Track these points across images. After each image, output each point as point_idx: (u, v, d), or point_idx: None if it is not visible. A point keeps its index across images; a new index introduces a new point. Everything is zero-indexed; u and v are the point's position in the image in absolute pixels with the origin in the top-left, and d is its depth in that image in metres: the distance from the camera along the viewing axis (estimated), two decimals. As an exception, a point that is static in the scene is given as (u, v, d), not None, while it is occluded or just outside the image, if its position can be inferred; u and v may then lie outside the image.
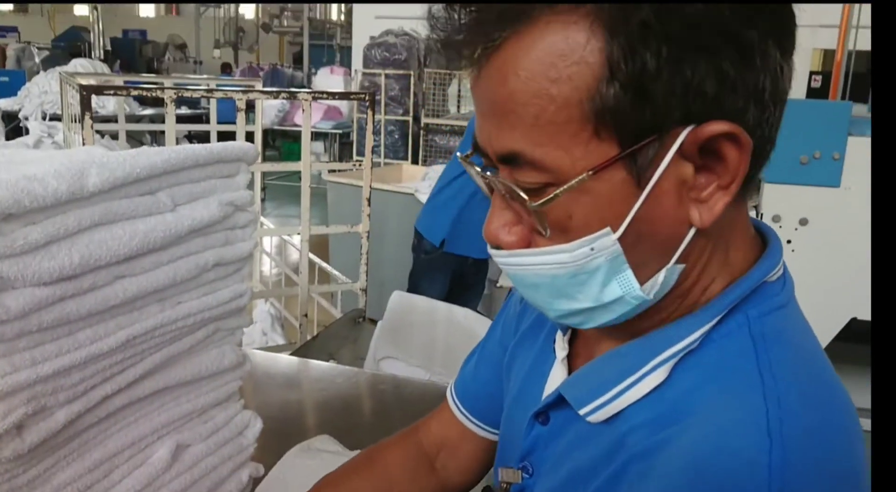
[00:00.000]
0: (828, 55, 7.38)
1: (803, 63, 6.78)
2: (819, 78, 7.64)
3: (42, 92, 7.30)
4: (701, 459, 0.50)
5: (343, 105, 8.54)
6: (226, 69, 14.55)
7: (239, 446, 1.14)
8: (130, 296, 0.87)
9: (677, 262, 0.55)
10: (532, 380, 0.74)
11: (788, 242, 2.36)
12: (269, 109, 7.08)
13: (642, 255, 0.54)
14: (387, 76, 6.58)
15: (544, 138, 0.50)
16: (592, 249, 0.53)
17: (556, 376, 0.69)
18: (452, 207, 2.87)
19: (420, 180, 4.52)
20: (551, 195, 0.52)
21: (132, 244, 0.85)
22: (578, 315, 0.57)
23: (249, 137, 3.25)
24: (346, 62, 10.42)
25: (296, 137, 7.52)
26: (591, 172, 0.50)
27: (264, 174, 3.06)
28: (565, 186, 0.51)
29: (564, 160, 0.51)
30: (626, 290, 0.54)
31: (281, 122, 9.55)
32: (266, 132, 7.17)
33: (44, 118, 6.69)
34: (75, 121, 2.35)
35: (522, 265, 0.56)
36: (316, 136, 9.01)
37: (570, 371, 0.68)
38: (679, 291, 0.58)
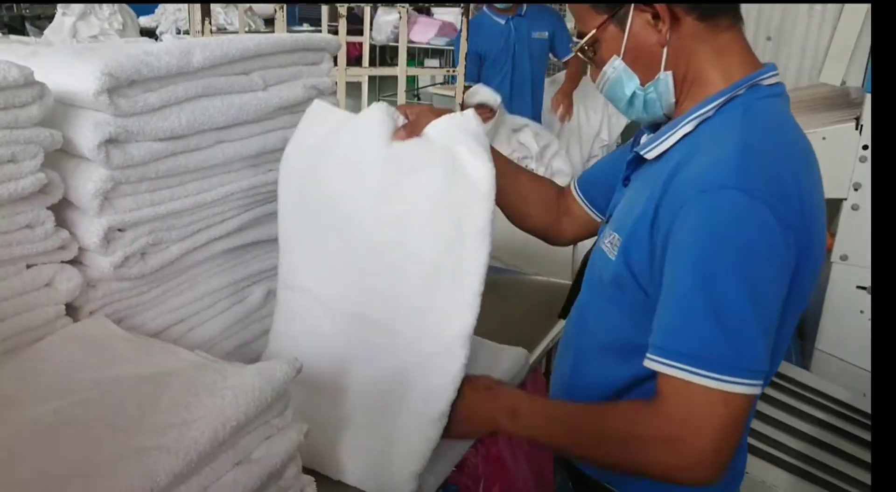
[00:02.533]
0: None
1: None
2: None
3: (176, 9, 7.75)
4: (694, 176, 0.85)
5: (458, 23, 8.52)
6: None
7: (322, 300, 1.34)
8: (228, 158, 1.06)
9: (665, 70, 0.93)
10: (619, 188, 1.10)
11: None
12: (385, 27, 7.19)
13: (641, 69, 0.95)
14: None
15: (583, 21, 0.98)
16: (614, 68, 0.96)
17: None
18: None
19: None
20: (583, 44, 0.98)
21: (229, 114, 1.03)
22: (628, 110, 0.99)
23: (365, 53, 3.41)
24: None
25: (412, 54, 7.59)
26: (595, 30, 0.96)
27: (372, 85, 3.22)
28: (587, 37, 0.97)
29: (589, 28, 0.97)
30: (634, 88, 0.96)
31: (396, 38, 9.66)
32: (384, 48, 7.30)
33: (178, 33, 7.13)
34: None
35: (602, 83, 0.99)
36: (432, 52, 8.99)
37: None
38: (684, 89, 0.94)
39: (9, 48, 1.16)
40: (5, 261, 0.87)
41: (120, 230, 0.96)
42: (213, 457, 0.68)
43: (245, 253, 1.18)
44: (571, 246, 2.29)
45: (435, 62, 9.54)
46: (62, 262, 0.92)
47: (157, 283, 1.04)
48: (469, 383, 0.98)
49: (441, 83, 4.71)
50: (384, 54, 9.98)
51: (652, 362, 0.84)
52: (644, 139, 1.03)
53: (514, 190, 1.20)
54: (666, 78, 0.94)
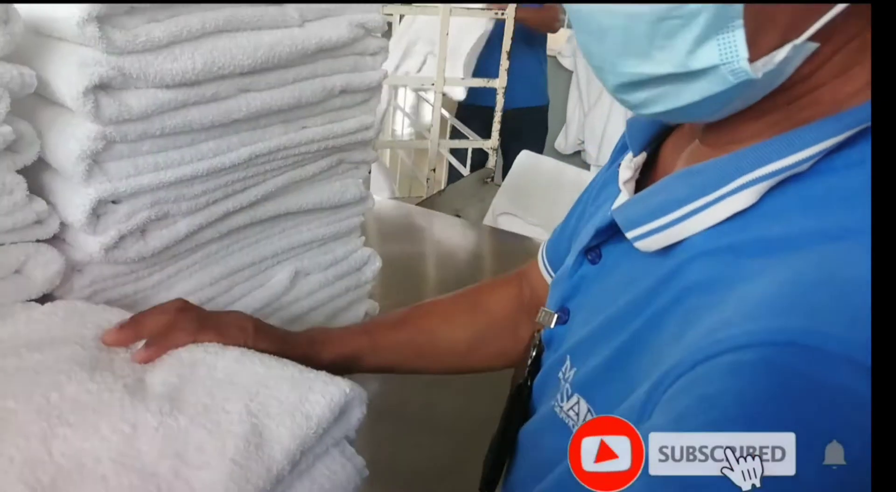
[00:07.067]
0: None
1: None
2: None
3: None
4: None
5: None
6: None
7: (357, 281, 1.14)
8: (254, 111, 0.84)
9: (811, 39, 0.40)
10: (591, 218, 0.61)
11: None
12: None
13: (766, 15, 0.38)
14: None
15: None
16: None
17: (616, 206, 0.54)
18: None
19: (564, 43, 4.26)
20: None
21: (256, 56, 0.80)
22: (647, 87, 0.42)
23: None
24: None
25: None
26: None
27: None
28: None
29: None
30: (728, 56, 0.39)
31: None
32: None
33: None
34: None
35: None
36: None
37: None
38: (798, 87, 0.43)
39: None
40: (-38, 239, 0.66)
41: (114, 202, 0.75)
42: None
43: (271, 227, 0.97)
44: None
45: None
46: (37, 241, 0.72)
47: (160, 265, 0.83)
48: None
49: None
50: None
51: None
52: (626, 171, 0.55)
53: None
54: (797, 53, 0.40)
